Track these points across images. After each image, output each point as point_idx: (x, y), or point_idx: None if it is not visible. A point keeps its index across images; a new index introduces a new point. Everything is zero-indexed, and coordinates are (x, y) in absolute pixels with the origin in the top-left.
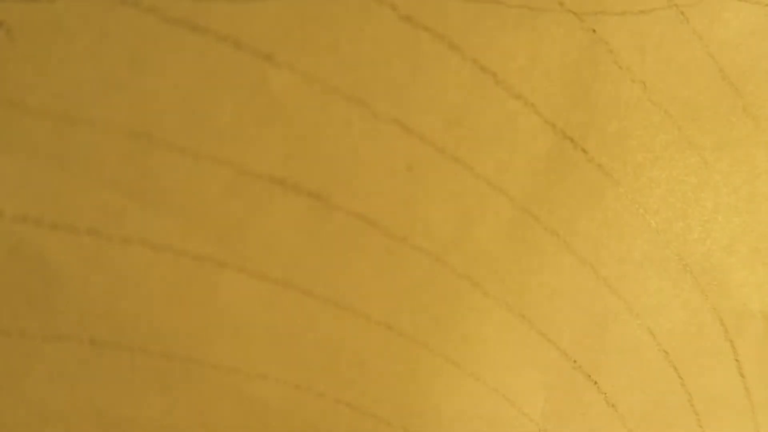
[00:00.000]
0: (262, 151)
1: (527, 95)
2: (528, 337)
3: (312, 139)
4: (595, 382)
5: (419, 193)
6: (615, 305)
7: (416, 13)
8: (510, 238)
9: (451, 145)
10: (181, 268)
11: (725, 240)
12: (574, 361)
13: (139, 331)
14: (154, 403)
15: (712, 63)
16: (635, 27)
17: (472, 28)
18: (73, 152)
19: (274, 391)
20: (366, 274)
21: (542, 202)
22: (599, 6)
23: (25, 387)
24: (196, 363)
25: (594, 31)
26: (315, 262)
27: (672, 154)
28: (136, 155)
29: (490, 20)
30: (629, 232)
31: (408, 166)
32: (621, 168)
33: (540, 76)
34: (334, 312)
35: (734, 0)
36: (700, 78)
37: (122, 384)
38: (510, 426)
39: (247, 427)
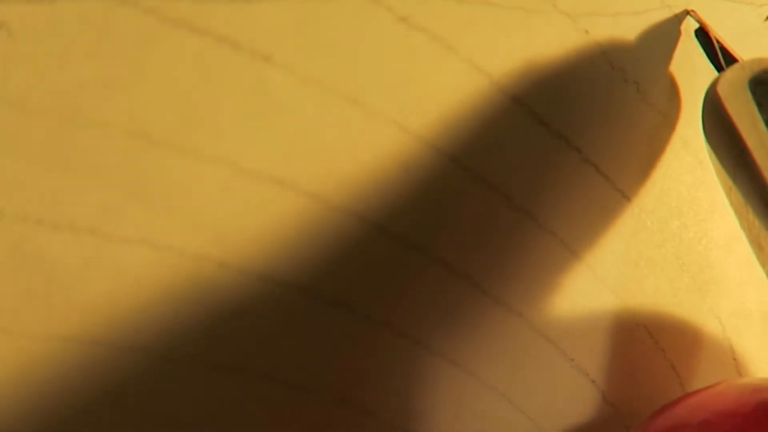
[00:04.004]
0: (260, 151)
1: (522, 96)
2: (527, 336)
3: (310, 140)
4: (593, 381)
5: (417, 193)
6: (612, 304)
7: (412, 15)
8: (507, 237)
9: (448, 145)
10: (181, 268)
11: (722, 239)
12: (572, 360)
13: (140, 332)
14: (155, 404)
15: (705, 64)
16: (628, 28)
17: (468, 29)
18: (73, 152)
19: (279, 391)
20: (365, 274)
21: (539, 202)
22: (592, 7)
23: (26, 387)
24: (200, 363)
25: (587, 32)
26: (314, 262)
27: (667, 154)
28: (136, 155)
29: (485, 21)
30: (625, 231)
31: (406, 166)
32: (616, 167)
33: (534, 77)
34: (333, 312)
35: (724, 0)
36: (694, 79)
37: (123, 385)
38: (509, 425)
39: (258, 427)
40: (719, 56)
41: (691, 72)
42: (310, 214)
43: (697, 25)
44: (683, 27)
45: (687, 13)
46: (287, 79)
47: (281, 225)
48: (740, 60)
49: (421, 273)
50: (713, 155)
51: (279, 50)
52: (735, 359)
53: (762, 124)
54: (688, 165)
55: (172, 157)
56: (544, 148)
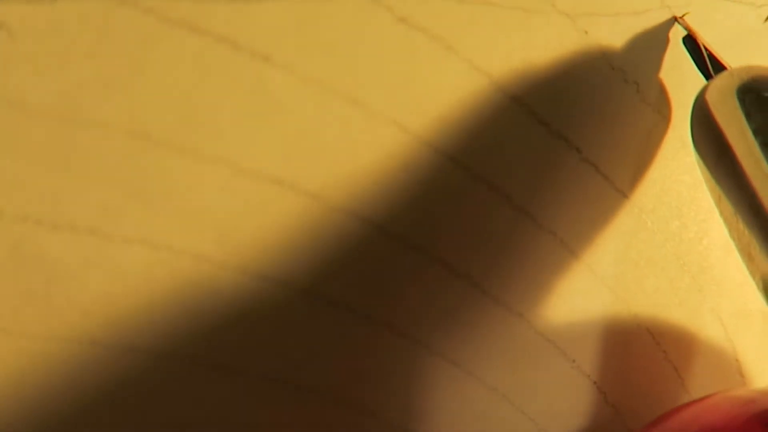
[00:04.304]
0: (260, 151)
1: (522, 96)
2: (527, 336)
3: (310, 140)
4: (594, 382)
5: (417, 193)
6: (613, 304)
7: (412, 15)
8: (507, 237)
9: (448, 145)
10: (180, 268)
11: (722, 239)
12: (573, 361)
13: (139, 332)
14: (154, 404)
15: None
16: (627, 28)
17: (467, 29)
18: (73, 152)
19: (279, 391)
20: (365, 275)
21: (538, 202)
22: (592, 7)
23: (25, 387)
24: (199, 364)
25: (586, 32)
26: (314, 263)
27: (666, 153)
28: (136, 155)
29: (485, 21)
30: (625, 231)
31: (406, 166)
32: (616, 167)
33: (533, 77)
34: (333, 312)
35: (724, 1)
36: (694, 79)
37: (122, 385)
38: (509, 425)
39: (258, 427)
40: (707, 64)
41: (691, 72)
42: (310, 214)
43: (684, 32)
44: (671, 33)
45: (675, 20)
46: (287, 79)
47: (281, 225)
48: (728, 67)
49: (421, 273)
50: (702, 163)
51: (279, 50)
52: (737, 359)
53: (750, 133)
54: (688, 165)
55: (172, 157)
56: (544, 148)
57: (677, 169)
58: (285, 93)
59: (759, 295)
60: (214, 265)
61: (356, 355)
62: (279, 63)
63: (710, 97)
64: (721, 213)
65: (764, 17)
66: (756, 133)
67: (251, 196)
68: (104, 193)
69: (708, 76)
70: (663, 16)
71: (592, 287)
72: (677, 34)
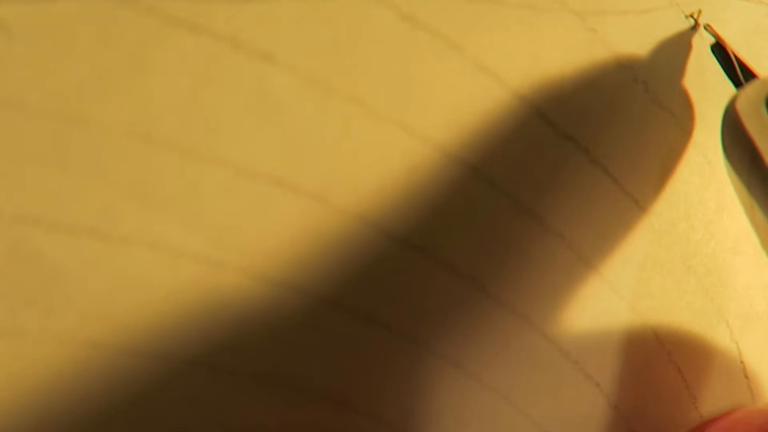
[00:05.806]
0: (261, 151)
1: (529, 96)
2: (529, 337)
3: (311, 140)
4: (597, 384)
5: (421, 194)
6: (618, 306)
7: (417, 14)
8: (512, 238)
9: (452, 146)
10: (181, 269)
11: (730, 241)
12: (576, 362)
13: (139, 333)
14: (154, 406)
15: (715, 62)
16: (636, 26)
17: (473, 28)
18: (73, 152)
19: (279, 393)
20: (367, 276)
21: (545, 203)
22: (600, 5)
23: (25, 390)
24: (199, 366)
25: (595, 30)
26: (316, 265)
27: (675, 154)
28: (136, 155)
29: (491, 20)
30: (632, 233)
31: (409, 167)
32: (625, 169)
33: (541, 77)
34: (334, 314)
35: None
36: (703, 77)
37: (122, 387)
38: (511, 427)
39: (258, 430)
40: (737, 72)
41: (700, 72)
42: (312, 216)
43: (712, 40)
44: (695, 40)
45: (697, 25)
46: (289, 78)
47: (282, 226)
48: (758, 76)
49: (424, 275)
50: (733, 173)
51: (280, 49)
52: (742, 361)
53: None
54: (697, 165)
55: (172, 157)
56: (552, 149)
57: (685, 171)
58: (287, 93)
59: (766, 298)
60: (214, 267)
61: (357, 357)
62: (281, 62)
63: (740, 107)
64: (752, 222)
65: None
66: None
67: (252, 197)
68: (104, 193)
69: (738, 85)
70: (672, 14)
71: (597, 289)
72: (687, 37)
